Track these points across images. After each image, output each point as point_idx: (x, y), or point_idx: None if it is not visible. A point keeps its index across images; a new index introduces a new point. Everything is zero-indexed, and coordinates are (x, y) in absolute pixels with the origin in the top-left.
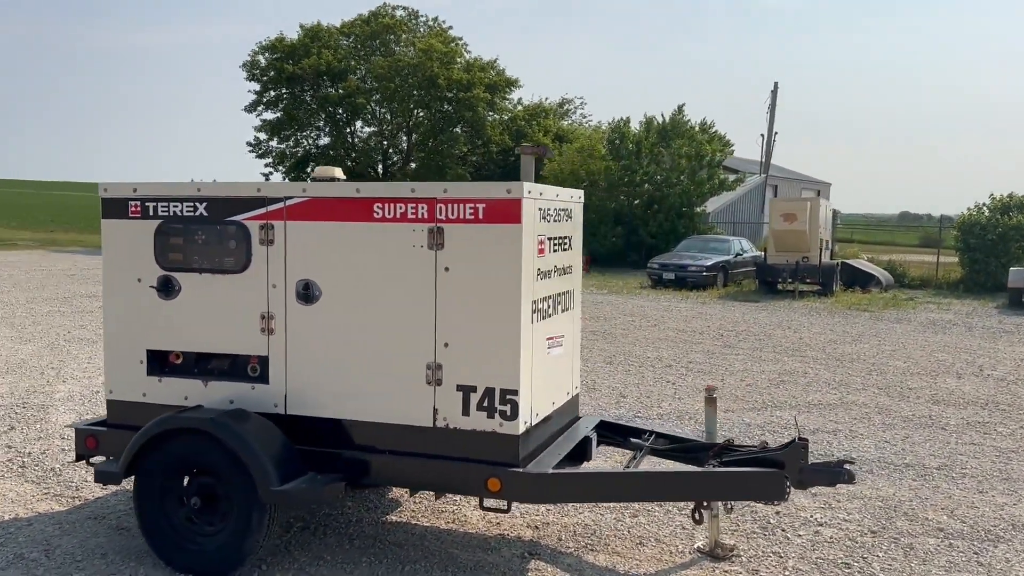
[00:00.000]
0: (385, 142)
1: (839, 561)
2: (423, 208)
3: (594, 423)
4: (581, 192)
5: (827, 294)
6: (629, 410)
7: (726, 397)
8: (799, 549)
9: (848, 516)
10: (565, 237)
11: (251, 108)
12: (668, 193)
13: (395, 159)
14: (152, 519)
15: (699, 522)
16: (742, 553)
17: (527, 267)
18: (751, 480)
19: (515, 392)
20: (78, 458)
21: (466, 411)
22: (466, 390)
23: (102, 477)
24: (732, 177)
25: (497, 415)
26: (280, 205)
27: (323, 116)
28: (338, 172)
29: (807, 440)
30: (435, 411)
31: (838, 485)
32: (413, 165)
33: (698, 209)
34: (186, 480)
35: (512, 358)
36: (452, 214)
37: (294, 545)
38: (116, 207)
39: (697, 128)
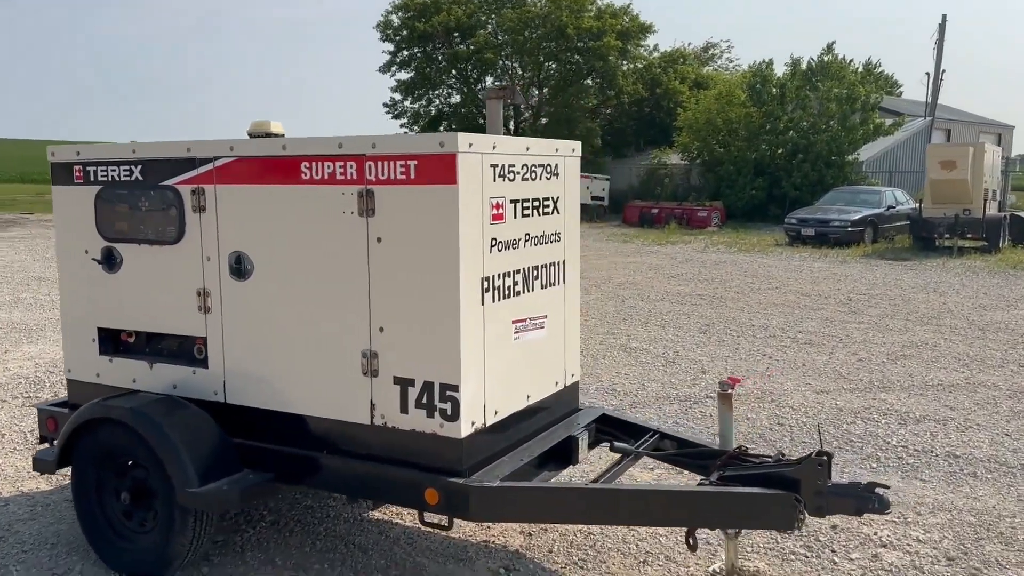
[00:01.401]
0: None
1: None
2: (352, 167)
3: (593, 417)
4: (575, 144)
5: (991, 251)
6: (703, 390)
7: (827, 375)
8: None
9: (924, 535)
10: (545, 199)
11: (385, 68)
12: (815, 140)
13: (526, 115)
14: (87, 511)
15: (693, 548)
16: None
17: (470, 236)
18: (749, 503)
19: (455, 387)
20: (41, 440)
21: (404, 408)
22: (404, 383)
23: (39, 465)
24: (889, 121)
25: (437, 414)
26: (210, 166)
27: (454, 73)
28: (276, 126)
29: (830, 454)
30: (372, 406)
31: (866, 514)
32: (544, 120)
33: (849, 158)
34: (122, 473)
35: (450, 347)
36: (383, 174)
37: (250, 544)
38: (63, 172)
39: (861, 69)
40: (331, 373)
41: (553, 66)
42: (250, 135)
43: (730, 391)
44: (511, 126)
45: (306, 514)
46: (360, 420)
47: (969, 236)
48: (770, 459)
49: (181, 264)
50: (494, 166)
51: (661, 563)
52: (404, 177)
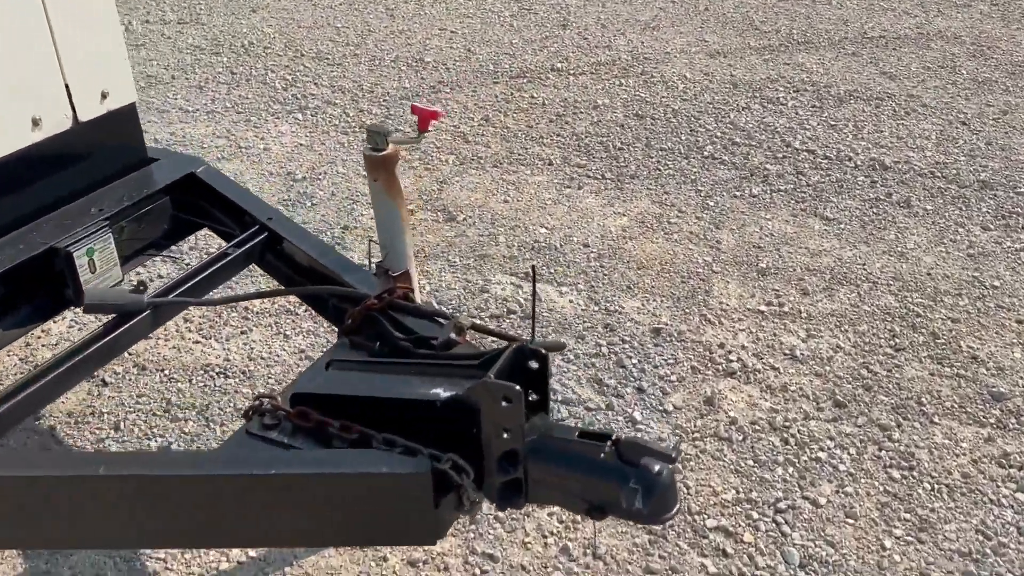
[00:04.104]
0: None
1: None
2: None
3: (161, 185)
4: None
5: None
6: (551, 57)
7: (734, 25)
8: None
9: (807, 344)
10: None
11: None
12: None
13: None
14: None
15: None
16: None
17: None
18: (337, 498)
19: None
20: None
21: None
22: None
23: None
24: None
25: None
26: None
27: None
28: None
29: (543, 353)
30: None
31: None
32: None
33: None
34: None
35: None
36: None
37: None
38: None
39: None
40: None
41: None
42: None
43: (389, 151)
44: None
45: None
46: None
47: None
48: (438, 319)
49: None
50: None
51: None
52: None
